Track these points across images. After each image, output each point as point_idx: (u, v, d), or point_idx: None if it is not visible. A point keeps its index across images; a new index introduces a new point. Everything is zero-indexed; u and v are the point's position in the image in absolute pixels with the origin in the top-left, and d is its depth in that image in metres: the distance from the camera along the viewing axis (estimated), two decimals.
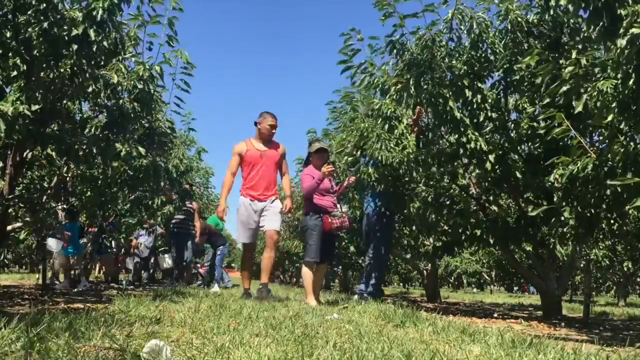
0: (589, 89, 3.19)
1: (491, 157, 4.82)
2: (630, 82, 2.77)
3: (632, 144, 3.41)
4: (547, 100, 3.55)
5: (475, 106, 4.82)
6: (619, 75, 2.90)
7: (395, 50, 4.86)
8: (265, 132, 5.03)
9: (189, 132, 8.07)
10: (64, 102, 4.60)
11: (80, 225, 7.85)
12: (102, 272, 10.19)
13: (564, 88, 3.27)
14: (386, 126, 5.10)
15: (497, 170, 5.01)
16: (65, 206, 7.06)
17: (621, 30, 2.69)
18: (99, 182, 5.55)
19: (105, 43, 4.07)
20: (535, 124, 4.62)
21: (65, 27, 3.84)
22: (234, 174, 5.10)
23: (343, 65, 5.08)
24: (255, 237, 5.14)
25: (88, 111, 5.36)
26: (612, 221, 4.72)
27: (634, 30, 2.60)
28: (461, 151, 4.88)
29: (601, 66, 3.37)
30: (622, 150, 2.96)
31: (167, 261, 9.80)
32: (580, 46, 4.20)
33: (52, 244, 6.94)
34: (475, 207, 5.48)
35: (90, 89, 4.37)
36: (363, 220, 6.01)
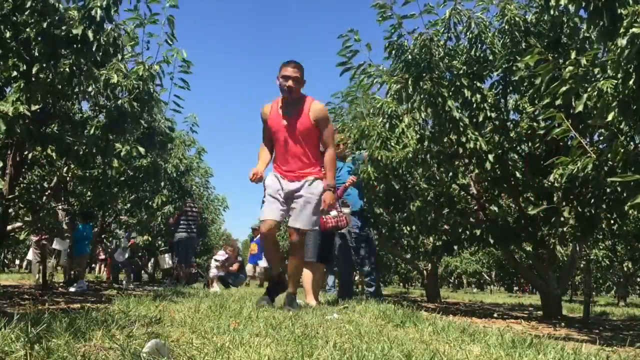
0: (589, 89, 3.19)
1: (491, 157, 4.82)
2: (631, 82, 2.77)
3: (632, 143, 3.41)
4: (547, 100, 3.55)
5: (474, 106, 4.82)
6: (619, 75, 2.90)
7: (393, 52, 4.86)
8: (280, 88, 3.71)
9: (191, 133, 8.08)
10: (64, 102, 4.59)
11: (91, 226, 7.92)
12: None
13: (564, 88, 3.27)
14: (387, 125, 5.10)
15: (497, 170, 5.01)
16: (66, 206, 7.10)
17: (621, 30, 2.69)
18: (99, 182, 5.54)
19: (102, 40, 4.05)
20: (535, 124, 4.62)
21: (64, 27, 3.84)
22: (264, 145, 3.92)
23: (342, 67, 5.08)
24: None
25: (88, 111, 5.35)
26: (612, 221, 4.72)
27: (634, 30, 2.60)
28: (461, 151, 4.88)
29: (601, 66, 3.37)
30: (622, 150, 2.96)
31: (167, 261, 9.78)
32: (582, 45, 4.21)
33: (56, 244, 7.10)
34: (475, 207, 5.48)
35: (89, 89, 4.38)
36: (346, 235, 5.38)
